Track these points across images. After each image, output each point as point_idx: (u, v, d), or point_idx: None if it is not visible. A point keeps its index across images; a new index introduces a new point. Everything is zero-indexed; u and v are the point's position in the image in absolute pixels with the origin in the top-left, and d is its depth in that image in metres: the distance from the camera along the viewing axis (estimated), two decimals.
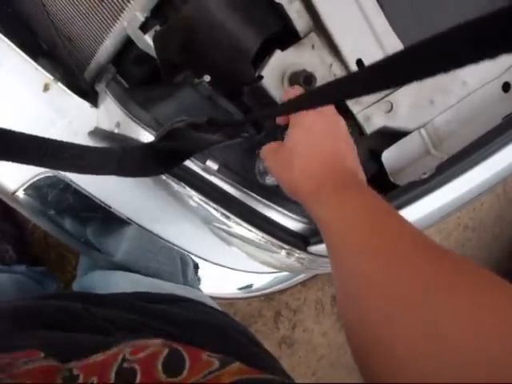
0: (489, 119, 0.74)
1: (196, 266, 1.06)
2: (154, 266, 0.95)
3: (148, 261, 0.95)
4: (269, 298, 1.76)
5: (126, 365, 0.43)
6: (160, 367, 0.43)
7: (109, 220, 0.89)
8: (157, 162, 0.60)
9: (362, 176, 0.58)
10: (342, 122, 0.61)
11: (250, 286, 1.15)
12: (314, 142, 0.57)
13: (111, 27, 0.75)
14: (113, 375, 0.42)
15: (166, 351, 0.45)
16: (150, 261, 0.95)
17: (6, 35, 0.79)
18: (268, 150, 0.62)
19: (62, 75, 0.86)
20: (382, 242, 0.42)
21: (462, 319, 0.32)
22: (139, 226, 0.80)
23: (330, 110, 0.61)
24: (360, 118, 0.70)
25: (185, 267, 1.02)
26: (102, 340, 0.51)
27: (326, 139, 0.58)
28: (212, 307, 0.83)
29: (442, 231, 2.09)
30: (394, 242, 0.41)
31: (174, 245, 0.84)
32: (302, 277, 1.20)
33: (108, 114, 0.73)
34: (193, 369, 0.43)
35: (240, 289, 1.14)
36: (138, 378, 0.41)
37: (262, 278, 1.13)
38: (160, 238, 0.83)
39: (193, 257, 0.91)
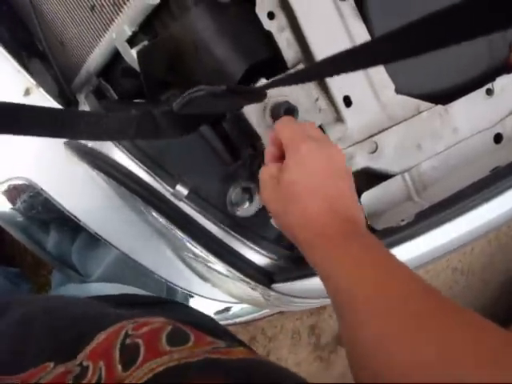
0: (477, 170, 0.72)
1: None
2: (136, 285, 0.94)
3: (129, 281, 0.93)
4: (245, 322, 1.72)
5: (128, 341, 0.43)
6: (164, 339, 0.42)
7: (95, 239, 0.87)
8: (176, 125, 0.59)
9: (363, 220, 0.54)
10: (341, 155, 0.58)
11: (227, 310, 1.12)
12: (311, 182, 0.53)
13: (101, 37, 0.74)
14: (117, 354, 0.42)
15: (169, 327, 0.45)
16: (132, 281, 0.93)
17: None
18: (267, 179, 0.57)
19: (54, 78, 0.85)
20: (393, 300, 0.40)
21: None
22: (108, 243, 0.78)
23: (327, 139, 0.59)
24: None
25: (172, 291, 1.01)
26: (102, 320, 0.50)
27: (326, 179, 0.53)
28: (197, 310, 0.82)
29: (430, 271, 2.06)
30: (406, 300, 0.39)
31: (141, 264, 0.82)
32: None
33: None
34: (198, 342, 0.42)
35: (217, 313, 1.11)
36: (142, 352, 0.41)
37: (239, 304, 1.10)
38: (130, 257, 0.80)
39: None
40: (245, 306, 1.12)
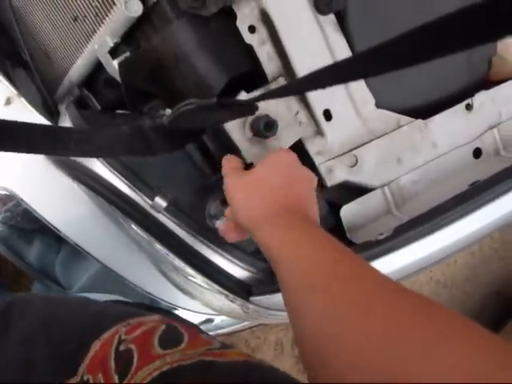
0: (456, 184, 0.72)
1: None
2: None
3: (111, 292, 0.93)
4: (228, 333, 1.72)
5: (122, 347, 0.43)
6: (156, 342, 0.42)
7: (79, 252, 0.87)
8: (167, 140, 0.60)
9: (315, 217, 0.56)
10: (313, 179, 0.59)
11: (210, 321, 1.11)
12: (285, 175, 0.55)
13: (83, 48, 0.74)
14: (112, 364, 0.41)
15: (162, 327, 0.45)
16: (115, 292, 0.93)
17: None
18: (231, 169, 0.60)
19: (37, 88, 0.85)
20: (343, 281, 0.40)
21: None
22: (88, 253, 0.77)
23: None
24: (322, 169, 0.68)
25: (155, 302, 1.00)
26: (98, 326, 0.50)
27: (286, 178, 0.55)
28: (181, 317, 0.82)
29: (414, 284, 2.06)
30: (355, 281, 0.40)
31: (115, 272, 0.81)
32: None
33: None
34: (192, 343, 0.42)
35: (200, 323, 1.11)
36: (135, 359, 0.41)
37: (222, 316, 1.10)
38: (109, 268, 0.80)
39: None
40: (226, 318, 1.11)
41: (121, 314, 0.53)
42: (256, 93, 0.65)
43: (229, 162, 0.61)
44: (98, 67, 0.76)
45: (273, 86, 0.66)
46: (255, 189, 0.55)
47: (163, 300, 0.87)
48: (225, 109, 0.57)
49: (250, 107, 0.61)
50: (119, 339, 0.44)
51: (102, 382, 0.41)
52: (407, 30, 0.31)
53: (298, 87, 0.54)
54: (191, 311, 0.90)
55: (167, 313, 0.87)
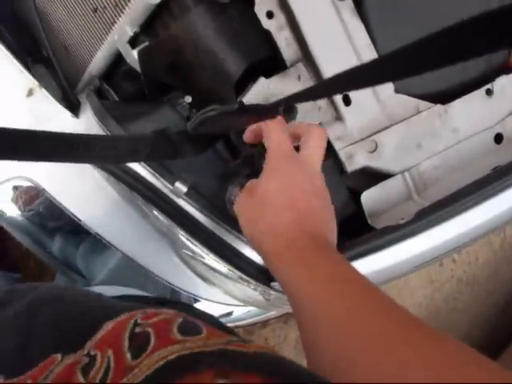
0: (477, 169, 0.71)
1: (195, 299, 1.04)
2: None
3: (133, 286, 0.93)
4: (249, 331, 1.71)
5: (138, 329, 0.42)
6: (175, 329, 0.41)
7: (100, 242, 0.88)
8: (192, 144, 0.59)
9: (334, 237, 0.54)
10: (320, 175, 0.57)
11: (230, 314, 1.12)
12: (289, 195, 0.52)
13: (103, 39, 0.75)
14: (126, 342, 0.40)
15: (180, 319, 0.44)
16: (135, 286, 0.93)
17: (2, 37, 0.79)
18: (243, 192, 0.57)
19: (58, 83, 0.86)
20: (357, 318, 0.40)
21: None
22: (108, 243, 0.78)
23: (315, 163, 0.56)
24: (342, 155, 0.68)
25: (176, 296, 1.01)
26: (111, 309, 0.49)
27: (304, 195, 0.53)
28: (201, 310, 0.81)
29: (435, 282, 2.04)
30: (371, 319, 0.39)
31: (142, 266, 0.81)
32: (282, 311, 1.17)
33: (86, 126, 0.72)
34: (212, 334, 0.41)
35: (219, 317, 1.11)
36: (153, 340, 0.40)
37: (241, 308, 1.10)
38: (130, 257, 0.80)
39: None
40: (247, 310, 1.11)
41: (136, 304, 0.52)
42: (272, 81, 0.66)
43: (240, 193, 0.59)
44: (116, 60, 0.77)
45: (292, 71, 0.66)
46: (261, 214, 0.53)
47: (183, 289, 0.87)
48: (246, 113, 0.57)
49: (271, 110, 0.60)
50: (135, 322, 0.43)
51: (111, 357, 0.40)
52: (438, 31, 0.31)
53: (318, 91, 0.52)
54: (212, 301, 0.90)
55: (187, 307, 0.86)
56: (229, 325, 1.14)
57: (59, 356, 0.42)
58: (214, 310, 1.08)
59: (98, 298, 0.57)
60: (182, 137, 0.59)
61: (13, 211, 0.86)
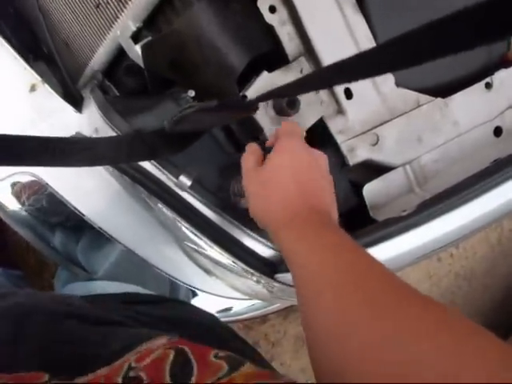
0: (477, 162, 0.72)
1: (193, 293, 1.05)
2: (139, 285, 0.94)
3: (133, 280, 0.93)
4: (248, 327, 1.72)
5: (132, 373, 0.42)
6: (167, 373, 0.41)
7: (100, 237, 0.88)
8: (167, 145, 0.60)
9: (336, 216, 0.56)
10: (326, 160, 0.59)
11: (229, 309, 1.12)
12: (296, 172, 0.55)
13: (105, 35, 0.75)
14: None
15: (172, 354, 0.43)
16: (135, 280, 0.93)
17: (3, 33, 0.79)
18: (250, 164, 0.59)
19: (59, 79, 0.86)
20: (356, 282, 0.41)
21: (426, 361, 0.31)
22: (111, 237, 0.78)
23: (314, 150, 0.59)
24: (344, 148, 0.68)
25: (175, 291, 1.01)
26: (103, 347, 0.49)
27: (310, 172, 0.55)
28: (198, 308, 0.83)
29: (433, 277, 2.05)
30: (367, 282, 0.40)
31: (144, 260, 0.82)
32: (280, 305, 1.17)
33: (89, 120, 0.72)
34: (201, 373, 0.41)
35: (219, 312, 1.11)
36: None
37: (241, 302, 1.11)
38: (132, 251, 0.80)
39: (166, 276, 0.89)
40: (246, 304, 1.12)
41: (128, 341, 0.51)
42: (275, 75, 0.66)
43: (247, 157, 0.60)
44: (118, 55, 0.78)
45: (294, 65, 0.66)
46: (270, 187, 0.55)
47: (185, 283, 0.88)
48: (225, 110, 0.58)
49: (250, 107, 0.62)
50: (129, 366, 0.43)
51: None
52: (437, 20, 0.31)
53: (303, 85, 0.53)
54: (213, 294, 0.91)
55: (186, 306, 0.87)
56: (228, 319, 1.15)
57: (46, 376, 0.42)
58: (213, 305, 1.09)
59: (86, 326, 0.56)
60: (158, 136, 0.59)
61: (15, 206, 0.86)
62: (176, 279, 0.86)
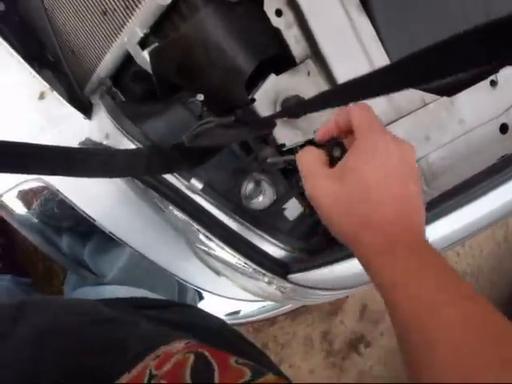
0: (484, 159, 0.73)
1: (200, 297, 1.05)
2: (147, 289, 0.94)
3: (141, 285, 0.94)
4: (257, 329, 1.72)
5: (153, 382, 0.41)
6: (188, 377, 0.40)
7: (108, 240, 0.88)
8: (187, 157, 0.58)
9: (424, 227, 0.47)
10: (414, 155, 0.49)
11: (237, 313, 1.13)
12: (389, 181, 0.45)
13: (112, 41, 0.76)
14: None
15: (191, 358, 0.42)
16: (143, 284, 0.94)
17: (9, 42, 0.79)
18: (315, 167, 0.49)
19: (65, 87, 0.87)
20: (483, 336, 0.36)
21: None
22: (122, 241, 0.79)
23: (401, 140, 0.49)
24: None
25: (182, 295, 1.01)
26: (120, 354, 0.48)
27: (403, 181, 0.46)
28: (206, 311, 0.83)
29: None
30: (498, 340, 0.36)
31: (156, 263, 0.82)
32: (289, 307, 1.18)
33: (99, 126, 0.73)
34: (223, 375, 0.40)
35: (227, 315, 1.12)
36: None
37: (249, 305, 1.11)
38: (142, 255, 0.81)
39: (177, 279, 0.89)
40: (255, 307, 1.12)
41: (146, 344, 0.50)
42: (282, 78, 0.67)
43: (307, 158, 0.50)
44: (123, 62, 0.78)
45: (301, 67, 0.67)
46: (357, 199, 0.45)
47: (195, 285, 0.88)
48: (243, 126, 0.58)
49: (268, 123, 0.61)
50: (150, 374, 0.42)
51: None
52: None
53: (315, 104, 0.49)
54: (224, 297, 0.91)
55: (194, 310, 0.87)
56: (237, 322, 1.15)
57: None
58: (222, 308, 1.09)
59: (102, 330, 0.56)
60: (177, 150, 0.59)
61: (24, 211, 0.87)
62: (187, 282, 0.86)
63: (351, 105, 0.51)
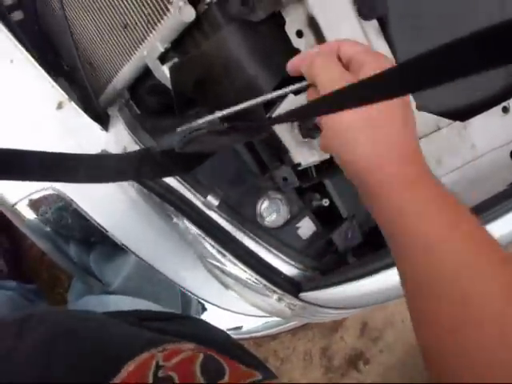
0: (494, 185, 0.74)
1: (203, 308, 1.05)
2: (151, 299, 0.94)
3: (145, 295, 0.94)
4: (257, 343, 1.72)
5: (161, 373, 0.41)
6: (198, 372, 0.40)
7: (112, 249, 0.89)
8: (178, 163, 0.59)
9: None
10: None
11: (239, 328, 1.13)
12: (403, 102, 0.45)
13: (131, 55, 0.77)
14: None
15: (201, 356, 0.43)
16: (147, 294, 0.94)
17: (28, 51, 0.80)
18: (336, 72, 0.47)
19: (79, 97, 0.88)
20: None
21: None
22: (133, 253, 0.79)
23: None
24: None
25: (186, 305, 1.01)
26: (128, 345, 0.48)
27: (403, 105, 0.46)
28: (210, 324, 0.83)
29: None
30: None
31: (164, 275, 0.83)
32: (292, 324, 1.18)
33: (116, 138, 0.74)
34: (234, 375, 0.40)
35: (229, 329, 1.12)
36: None
37: (252, 321, 1.11)
38: (152, 266, 0.82)
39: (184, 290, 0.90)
40: (258, 323, 1.12)
41: (153, 338, 0.51)
42: (301, 98, 0.67)
43: (326, 59, 0.48)
44: (141, 75, 0.79)
45: None
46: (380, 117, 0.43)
47: (201, 297, 0.89)
48: (235, 132, 0.58)
49: (261, 129, 0.62)
50: (157, 364, 0.42)
51: None
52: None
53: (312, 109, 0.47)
54: (229, 311, 0.92)
55: (199, 323, 0.87)
56: (239, 337, 1.15)
57: None
58: (224, 322, 1.09)
59: (109, 330, 0.56)
60: (167, 156, 0.58)
61: (37, 220, 0.87)
62: (193, 294, 0.87)
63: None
